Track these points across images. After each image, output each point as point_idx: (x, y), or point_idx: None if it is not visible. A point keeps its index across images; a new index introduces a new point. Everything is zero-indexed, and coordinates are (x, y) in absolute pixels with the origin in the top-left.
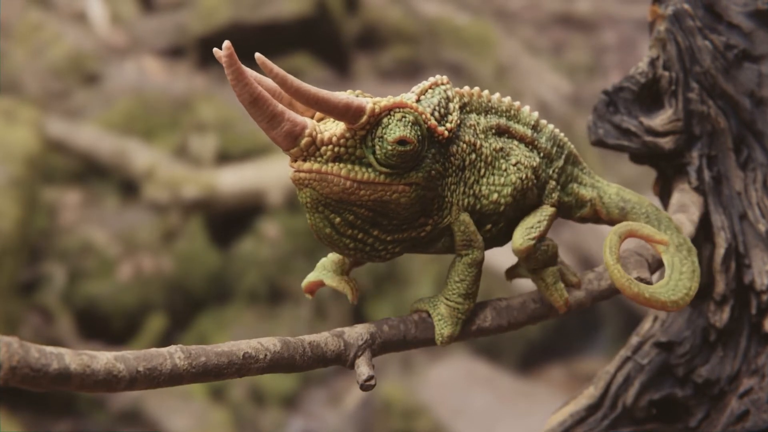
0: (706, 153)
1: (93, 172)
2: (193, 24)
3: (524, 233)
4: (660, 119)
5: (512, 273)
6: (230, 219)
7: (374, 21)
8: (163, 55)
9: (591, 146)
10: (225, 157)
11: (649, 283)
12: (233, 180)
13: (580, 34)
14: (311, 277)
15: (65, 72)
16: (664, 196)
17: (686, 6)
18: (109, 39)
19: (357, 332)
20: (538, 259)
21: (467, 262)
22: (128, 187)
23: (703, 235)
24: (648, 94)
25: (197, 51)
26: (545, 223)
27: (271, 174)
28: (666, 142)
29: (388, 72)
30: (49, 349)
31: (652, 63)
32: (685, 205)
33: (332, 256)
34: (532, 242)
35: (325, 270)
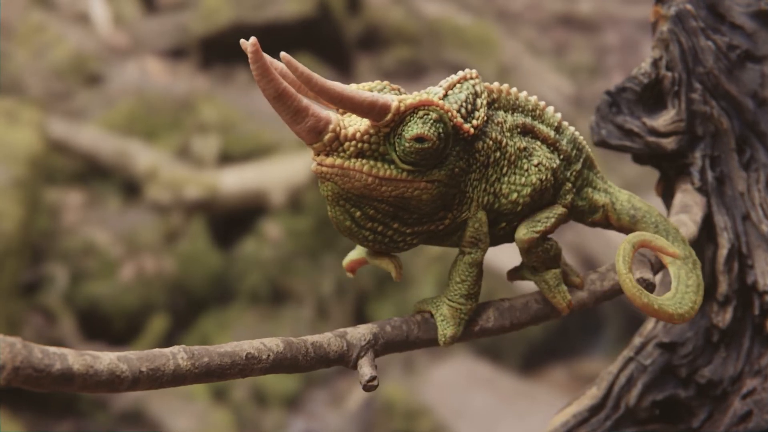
0: (708, 153)
1: (95, 173)
2: (194, 25)
3: (530, 225)
4: (663, 120)
5: (514, 275)
6: (232, 220)
7: (376, 21)
8: (165, 56)
9: (594, 147)
10: (227, 158)
11: (652, 283)
12: (235, 181)
13: (581, 35)
14: (353, 255)
15: (67, 73)
16: (667, 196)
17: (689, 6)
18: (111, 40)
19: (360, 333)
20: (539, 256)
21: (468, 261)
22: (130, 187)
23: (705, 236)
24: (651, 95)
25: (199, 52)
26: (553, 220)
27: (273, 175)
28: (669, 143)
29: (390, 72)
30: (52, 349)
31: (655, 63)
32: (688, 206)
33: None
34: (536, 235)
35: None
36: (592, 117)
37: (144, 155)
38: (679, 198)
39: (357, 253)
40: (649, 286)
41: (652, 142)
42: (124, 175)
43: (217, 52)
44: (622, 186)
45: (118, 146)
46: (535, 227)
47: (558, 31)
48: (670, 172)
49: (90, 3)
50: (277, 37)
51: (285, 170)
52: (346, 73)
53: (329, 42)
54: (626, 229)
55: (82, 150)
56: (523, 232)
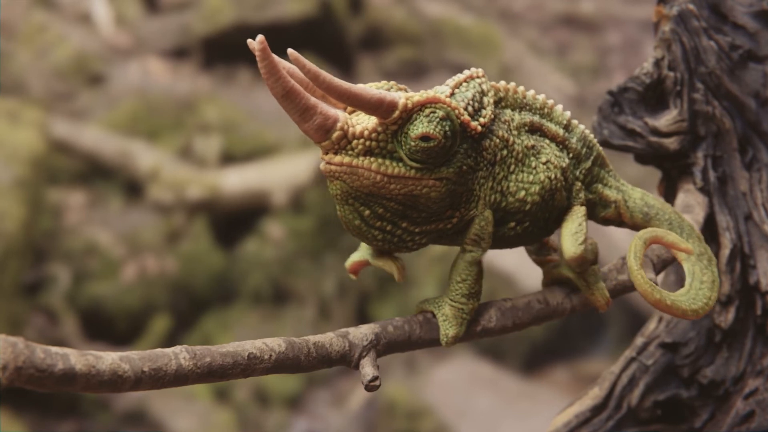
0: (711, 153)
1: (97, 173)
2: (197, 25)
3: (573, 240)
4: (665, 120)
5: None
6: (234, 220)
7: (378, 22)
8: (167, 56)
9: None
10: (229, 158)
11: (655, 283)
12: (237, 181)
13: (584, 35)
14: (355, 257)
15: (70, 73)
16: (669, 196)
17: (691, 6)
18: (113, 40)
19: (362, 333)
20: (588, 261)
21: (468, 260)
22: (132, 187)
23: (708, 236)
24: (653, 95)
25: (201, 52)
26: (585, 224)
27: (276, 175)
28: (671, 143)
29: (392, 73)
30: (54, 349)
31: (657, 63)
32: (690, 206)
33: None
34: (583, 246)
35: (369, 249)
36: (594, 117)
37: (146, 155)
38: (681, 198)
39: (359, 254)
40: None
41: (655, 142)
42: (126, 176)
43: (219, 52)
44: None
45: (120, 146)
46: (578, 240)
47: (560, 31)
48: (672, 172)
49: (92, 3)
50: (279, 37)
51: (287, 170)
52: (348, 74)
53: (331, 42)
54: (639, 227)
55: (85, 150)
56: (573, 250)
